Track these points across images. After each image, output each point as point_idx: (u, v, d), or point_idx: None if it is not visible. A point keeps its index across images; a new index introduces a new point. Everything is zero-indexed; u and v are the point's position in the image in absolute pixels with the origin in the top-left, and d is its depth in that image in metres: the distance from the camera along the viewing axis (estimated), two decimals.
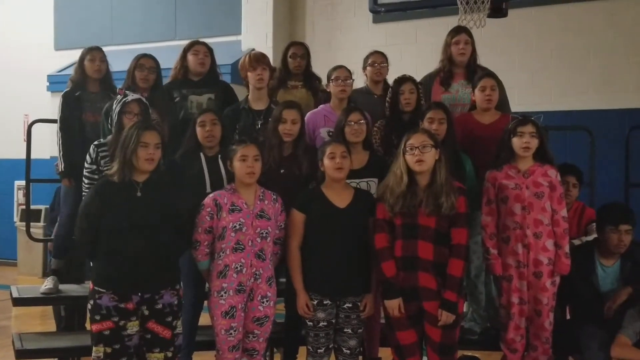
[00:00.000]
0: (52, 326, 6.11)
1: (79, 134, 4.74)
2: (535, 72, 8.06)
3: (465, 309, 4.45)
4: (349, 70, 4.61)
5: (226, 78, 7.60)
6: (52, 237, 5.43)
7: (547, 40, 8.08)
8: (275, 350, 5.04)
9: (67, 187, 4.81)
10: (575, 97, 7.86)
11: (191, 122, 4.29)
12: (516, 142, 4.02)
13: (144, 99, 4.20)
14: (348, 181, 4.01)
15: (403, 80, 4.53)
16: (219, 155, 4.19)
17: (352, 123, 4.11)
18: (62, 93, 4.90)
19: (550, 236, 4.01)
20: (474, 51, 4.83)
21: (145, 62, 4.75)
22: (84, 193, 4.11)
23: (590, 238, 4.46)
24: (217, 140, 4.21)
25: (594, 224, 4.45)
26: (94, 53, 4.87)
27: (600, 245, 4.23)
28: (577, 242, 4.45)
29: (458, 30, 4.89)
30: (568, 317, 4.58)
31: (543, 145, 4.07)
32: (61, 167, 4.77)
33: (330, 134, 4.42)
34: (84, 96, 4.81)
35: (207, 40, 5.09)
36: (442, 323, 3.67)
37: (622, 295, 4.11)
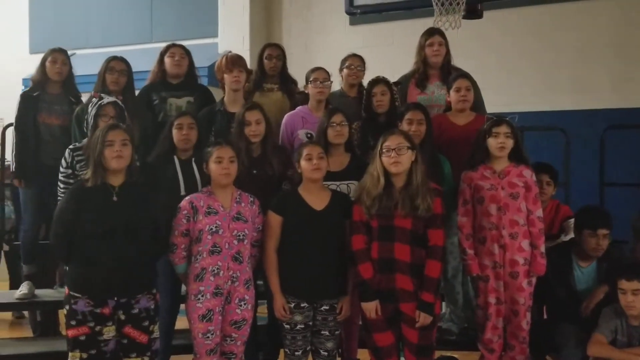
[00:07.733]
0: (21, 333, 6.06)
1: (34, 135, 4.69)
2: (510, 73, 8.10)
3: (442, 310, 4.47)
4: (327, 72, 4.61)
5: (203, 80, 7.58)
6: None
7: (521, 41, 8.12)
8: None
9: (21, 188, 4.76)
10: (550, 98, 7.91)
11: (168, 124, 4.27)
12: (491, 142, 4.03)
13: (119, 102, 4.18)
14: (328, 183, 4.01)
15: (376, 82, 4.54)
16: (193, 159, 4.17)
17: (335, 124, 4.10)
18: (21, 92, 4.85)
19: (526, 236, 4.03)
20: (447, 52, 4.85)
21: (115, 65, 4.71)
22: (59, 198, 4.07)
23: (566, 239, 4.50)
24: (192, 143, 4.19)
25: (571, 220, 4.47)
26: (56, 55, 4.82)
27: (578, 248, 4.25)
28: (550, 243, 4.48)
29: (431, 32, 4.91)
30: (545, 316, 4.62)
31: (518, 146, 4.09)
32: (12, 167, 4.72)
33: (309, 135, 4.41)
34: (41, 97, 4.77)
35: (184, 43, 5.07)
36: (420, 324, 3.67)
37: (598, 294, 4.14)
